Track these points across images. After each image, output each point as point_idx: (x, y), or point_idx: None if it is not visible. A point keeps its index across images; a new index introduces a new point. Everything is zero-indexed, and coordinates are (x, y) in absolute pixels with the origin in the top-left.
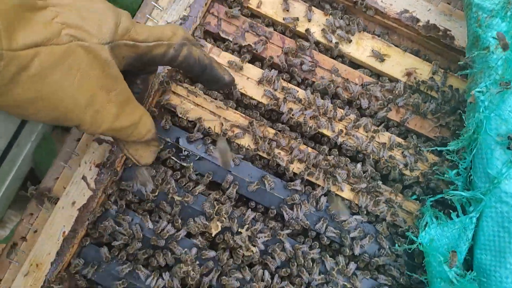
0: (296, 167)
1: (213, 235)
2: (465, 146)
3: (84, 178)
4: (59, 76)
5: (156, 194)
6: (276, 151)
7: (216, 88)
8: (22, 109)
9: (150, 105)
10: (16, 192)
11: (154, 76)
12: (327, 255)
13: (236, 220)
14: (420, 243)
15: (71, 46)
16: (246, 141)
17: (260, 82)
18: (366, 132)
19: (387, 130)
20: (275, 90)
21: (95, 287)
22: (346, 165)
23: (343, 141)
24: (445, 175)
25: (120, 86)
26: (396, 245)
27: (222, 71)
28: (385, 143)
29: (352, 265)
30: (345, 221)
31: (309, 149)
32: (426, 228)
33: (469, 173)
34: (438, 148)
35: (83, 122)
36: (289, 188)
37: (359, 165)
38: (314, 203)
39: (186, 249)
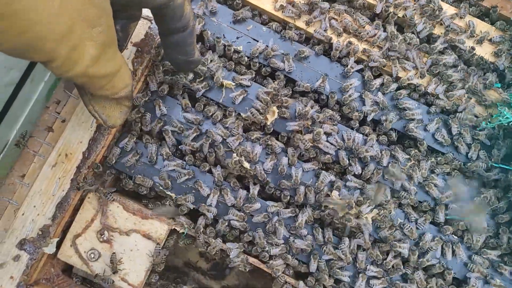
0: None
1: (268, 123)
2: None
3: None
4: None
5: (202, 78)
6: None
7: (178, 63)
8: None
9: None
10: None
11: (135, 24)
12: (398, 149)
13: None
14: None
15: None
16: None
17: None
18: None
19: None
20: None
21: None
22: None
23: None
24: None
25: (106, 23)
26: (483, 122)
27: (195, 46)
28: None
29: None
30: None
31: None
32: None
33: None
34: None
35: (56, 56)
36: (349, 74)
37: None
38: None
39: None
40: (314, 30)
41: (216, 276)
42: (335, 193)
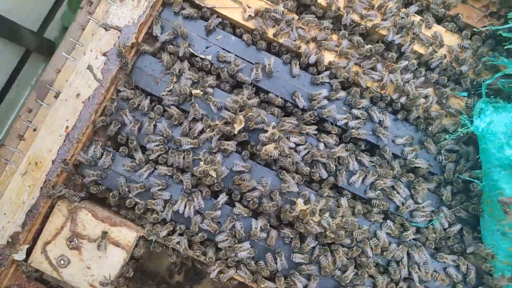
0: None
1: (235, 132)
2: None
3: (89, 67)
4: None
5: (170, 89)
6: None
7: None
8: None
9: None
10: None
11: None
12: (363, 154)
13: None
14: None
15: None
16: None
17: None
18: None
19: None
20: None
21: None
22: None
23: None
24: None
25: None
26: (447, 135)
27: None
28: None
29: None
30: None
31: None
32: (480, 115)
33: None
34: (493, 28)
35: None
36: (317, 82)
37: (404, 62)
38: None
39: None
40: (284, 40)
41: (191, 281)
42: (300, 201)
